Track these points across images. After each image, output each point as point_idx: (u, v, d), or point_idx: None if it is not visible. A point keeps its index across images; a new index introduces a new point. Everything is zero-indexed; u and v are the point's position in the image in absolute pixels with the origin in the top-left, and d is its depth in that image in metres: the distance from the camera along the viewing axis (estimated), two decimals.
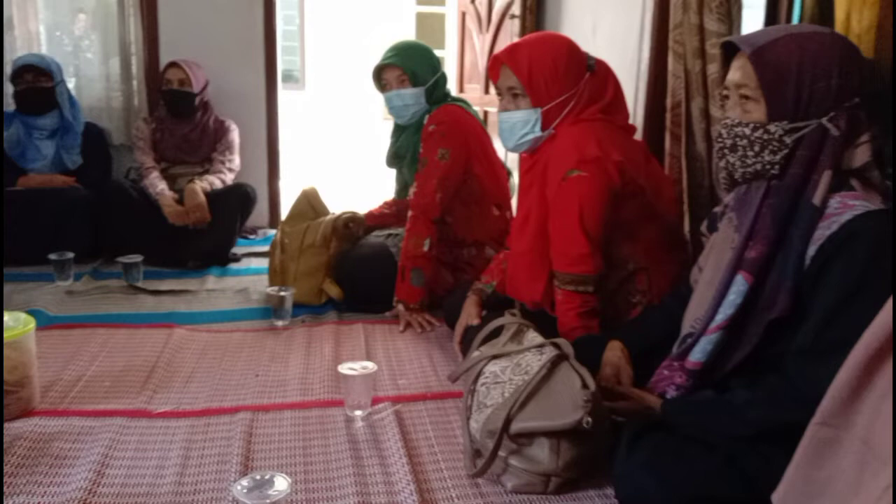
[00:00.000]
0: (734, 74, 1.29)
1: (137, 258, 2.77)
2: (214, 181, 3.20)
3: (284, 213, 3.68)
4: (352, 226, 2.68)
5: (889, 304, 0.83)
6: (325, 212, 2.73)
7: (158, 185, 3.14)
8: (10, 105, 3.19)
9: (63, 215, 3.00)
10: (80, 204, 3.04)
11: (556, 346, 1.54)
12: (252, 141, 3.62)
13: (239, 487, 1.29)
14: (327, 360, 2.05)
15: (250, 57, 3.65)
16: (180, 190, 3.16)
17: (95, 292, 2.66)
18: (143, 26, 3.49)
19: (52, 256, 2.72)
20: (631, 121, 1.92)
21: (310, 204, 2.72)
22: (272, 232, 3.70)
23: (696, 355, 1.33)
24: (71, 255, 2.75)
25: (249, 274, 2.98)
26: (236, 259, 3.16)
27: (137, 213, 3.08)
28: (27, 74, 3.10)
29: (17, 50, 3.38)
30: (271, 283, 2.58)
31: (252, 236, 3.59)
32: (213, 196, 3.12)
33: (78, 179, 3.18)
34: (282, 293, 2.35)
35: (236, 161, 3.37)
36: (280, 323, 2.35)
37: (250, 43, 3.64)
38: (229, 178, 3.30)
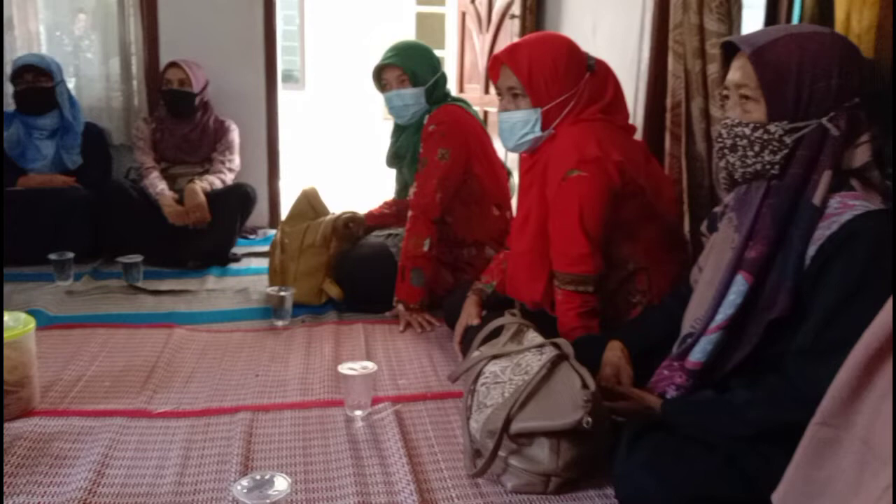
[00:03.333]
0: (734, 74, 1.29)
1: (137, 258, 2.77)
2: (214, 181, 3.20)
3: (284, 213, 3.68)
4: (352, 226, 2.68)
5: (889, 304, 0.83)
6: (325, 212, 2.73)
7: (158, 185, 3.14)
8: (10, 105, 3.19)
9: (63, 215, 3.00)
10: (80, 204, 3.03)
11: (555, 345, 1.54)
12: (252, 141, 3.62)
13: (239, 487, 1.29)
14: (327, 360, 2.05)
15: (250, 57, 3.65)
16: (180, 190, 3.16)
17: (95, 292, 2.66)
18: (143, 26, 3.49)
19: (52, 256, 2.72)
20: (631, 121, 1.92)
21: (310, 204, 2.72)
22: (272, 232, 3.70)
23: (696, 355, 1.33)
24: (71, 255, 2.75)
25: (249, 274, 2.98)
26: (236, 259, 3.16)
27: (137, 213, 3.08)
28: (27, 74, 3.10)
29: (17, 50, 3.38)
30: (271, 283, 2.58)
31: (252, 236, 3.59)
32: (213, 196, 3.12)
33: (78, 179, 3.18)
34: (282, 293, 2.34)
35: (236, 161, 3.37)
36: (280, 323, 2.35)
37: (250, 43, 3.64)
38: (229, 178, 3.30)
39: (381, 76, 2.50)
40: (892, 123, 1.28)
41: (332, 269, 2.57)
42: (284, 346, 2.19)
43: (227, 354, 2.10)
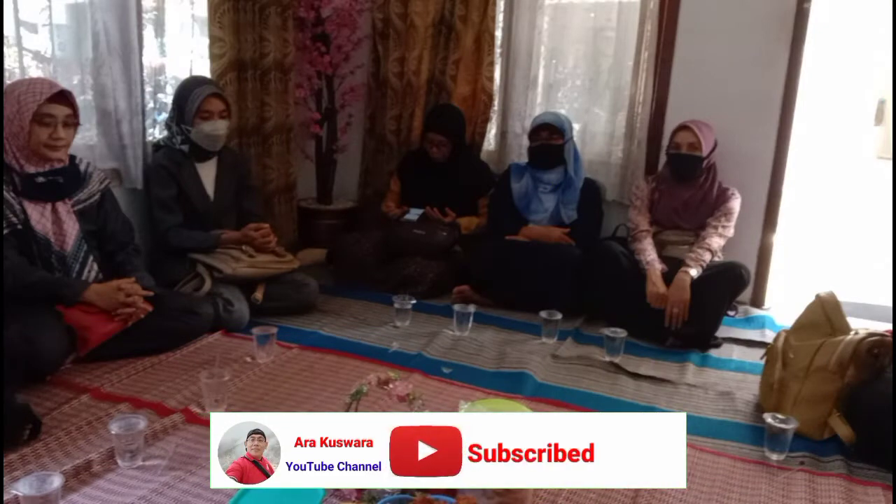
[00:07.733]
0: None
1: (622, 333, 2.72)
2: (703, 255, 2.98)
3: (772, 292, 3.32)
4: (878, 353, 2.20)
5: None
6: (844, 328, 2.28)
7: (650, 255, 3.04)
8: (523, 157, 3.46)
9: (553, 270, 3.12)
10: (569, 262, 3.12)
11: None
12: (749, 206, 3.26)
13: None
14: None
15: (762, 118, 3.30)
16: (667, 258, 3.05)
17: (578, 362, 2.68)
18: (654, 84, 3.42)
19: (543, 315, 2.85)
20: None
21: (826, 316, 2.31)
22: (755, 312, 3.37)
23: None
24: (559, 315, 2.85)
25: (732, 370, 2.70)
26: (717, 345, 2.92)
27: (623, 279, 3.03)
28: (543, 132, 3.31)
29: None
30: (763, 399, 2.28)
31: (731, 313, 3.26)
32: (701, 276, 2.92)
33: (570, 233, 3.29)
34: (781, 425, 2.03)
35: (730, 230, 3.11)
36: (775, 458, 2.05)
37: (766, 103, 3.29)
38: (716, 243, 3.04)
39: None
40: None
41: (842, 403, 2.15)
42: (781, 494, 1.87)
43: (703, 485, 1.88)
